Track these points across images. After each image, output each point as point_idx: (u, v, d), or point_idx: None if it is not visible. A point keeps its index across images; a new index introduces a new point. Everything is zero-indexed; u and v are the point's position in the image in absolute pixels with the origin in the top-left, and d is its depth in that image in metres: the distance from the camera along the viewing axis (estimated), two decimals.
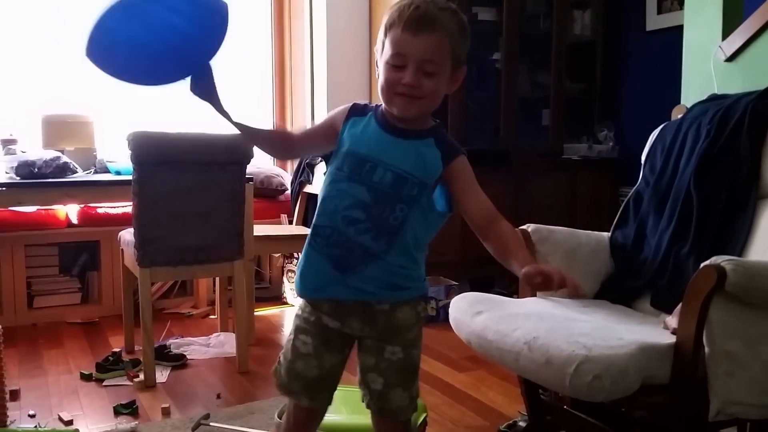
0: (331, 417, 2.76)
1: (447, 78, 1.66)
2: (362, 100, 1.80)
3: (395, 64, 1.62)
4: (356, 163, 1.67)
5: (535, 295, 2.71)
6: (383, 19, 1.68)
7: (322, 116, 4.94)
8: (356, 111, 1.76)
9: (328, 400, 1.88)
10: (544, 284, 1.55)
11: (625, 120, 5.34)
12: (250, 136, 1.86)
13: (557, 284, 1.54)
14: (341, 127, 1.74)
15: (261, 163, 5.08)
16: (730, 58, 3.15)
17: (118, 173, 4.03)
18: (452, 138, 1.77)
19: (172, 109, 4.97)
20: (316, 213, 1.74)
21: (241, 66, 5.31)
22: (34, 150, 4.15)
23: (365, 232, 1.65)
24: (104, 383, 3.40)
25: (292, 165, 5.26)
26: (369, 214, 1.65)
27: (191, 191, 3.38)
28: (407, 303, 1.76)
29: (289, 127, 1.63)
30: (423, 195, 1.67)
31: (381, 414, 1.83)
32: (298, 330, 1.84)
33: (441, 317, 4.21)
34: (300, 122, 5.33)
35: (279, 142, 1.89)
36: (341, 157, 1.71)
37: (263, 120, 5.40)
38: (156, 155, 3.31)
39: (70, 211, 4.57)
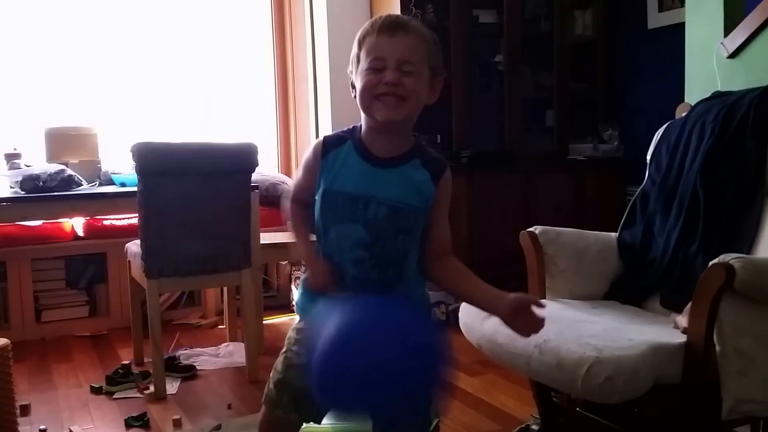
0: (343, 425, 2.75)
1: (426, 83, 1.65)
2: (331, 133, 1.75)
3: (374, 68, 1.61)
4: (348, 202, 1.64)
5: (544, 297, 2.71)
6: (356, 37, 1.68)
7: (326, 123, 4.99)
8: (330, 143, 1.71)
9: (316, 418, 1.82)
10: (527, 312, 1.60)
11: (630, 119, 5.32)
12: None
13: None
14: (320, 164, 1.69)
15: (266, 171, 5.06)
16: (733, 55, 3.14)
17: (123, 185, 4.02)
18: (435, 152, 1.75)
19: (176, 120, 4.98)
20: (320, 246, 1.71)
21: (243, 75, 5.31)
22: (39, 163, 4.14)
23: (372, 268, 1.65)
24: (114, 396, 3.39)
25: (297, 171, 5.25)
26: (371, 252, 1.64)
27: (197, 201, 3.37)
28: None
29: (292, 207, 1.63)
30: (420, 220, 1.67)
31: None
32: (290, 342, 1.81)
33: (451, 322, 4.18)
34: (304, 130, 5.32)
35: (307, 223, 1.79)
36: (333, 197, 1.66)
37: (266, 128, 5.39)
38: (160, 166, 3.30)
39: (75, 223, 4.57)
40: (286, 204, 1.80)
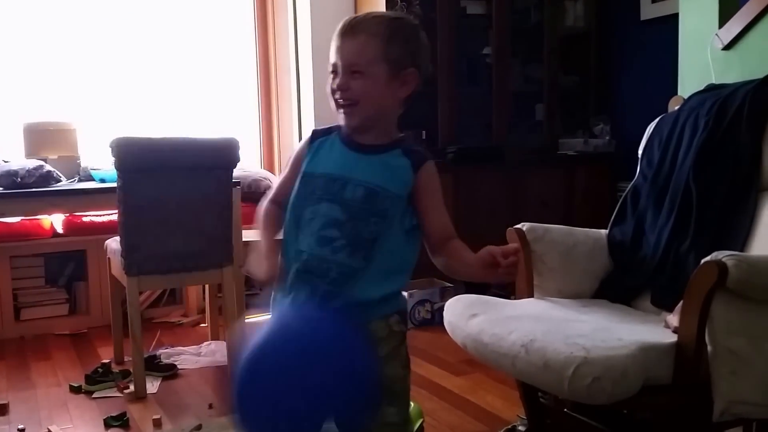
0: None
1: (383, 80, 1.68)
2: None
3: (332, 72, 1.70)
4: (327, 183, 1.70)
5: (531, 296, 2.68)
6: None
7: (309, 118, 4.93)
8: (318, 134, 1.80)
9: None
10: (496, 264, 1.59)
11: (622, 112, 5.29)
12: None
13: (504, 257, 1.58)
14: (306, 153, 1.78)
15: (248, 167, 5.01)
16: (728, 47, 3.10)
17: (102, 180, 3.98)
18: (420, 147, 1.79)
19: (157, 114, 4.92)
20: (284, 237, 1.75)
21: (225, 68, 5.25)
22: (17, 159, 4.10)
23: (341, 249, 1.66)
24: (94, 395, 3.35)
25: (279, 168, 5.20)
26: (343, 231, 1.66)
27: (177, 197, 3.35)
28: (379, 318, 1.72)
29: (266, 208, 1.72)
30: (396, 209, 1.68)
31: None
32: None
33: (436, 320, 4.15)
34: (287, 125, 5.26)
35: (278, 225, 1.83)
36: (313, 179, 1.73)
37: (248, 123, 5.34)
38: (140, 161, 3.27)
39: (55, 220, 4.50)
40: (263, 203, 1.84)
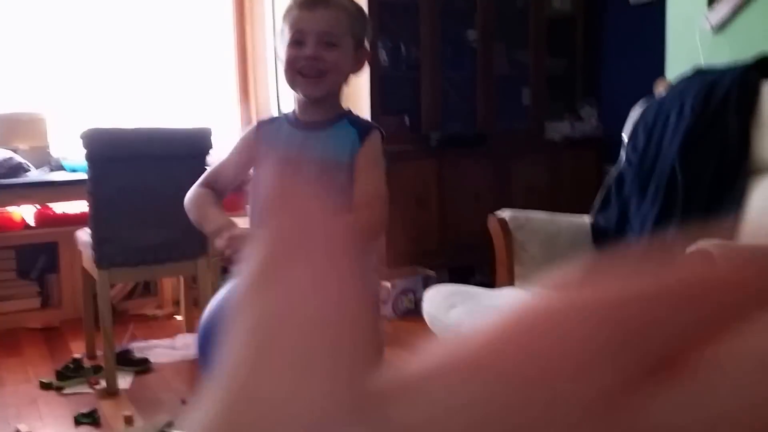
0: None
1: (350, 55, 1.72)
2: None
3: (295, 41, 1.69)
4: None
5: (512, 284, 2.65)
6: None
7: (287, 107, 4.84)
8: (263, 122, 1.89)
9: None
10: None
11: (609, 97, 5.24)
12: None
13: None
14: (252, 140, 1.83)
15: (222, 155, 4.92)
16: (717, 29, 3.05)
17: (73, 171, 3.93)
18: (366, 120, 1.86)
19: (131, 103, 4.83)
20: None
21: (202, 56, 5.17)
22: None
23: None
24: (64, 391, 3.29)
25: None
26: None
27: (149, 187, 3.29)
28: None
29: (196, 191, 1.77)
30: (350, 179, 1.71)
31: None
32: None
33: (420, 310, 4.06)
34: (264, 112, 5.19)
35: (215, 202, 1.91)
36: None
37: (227, 111, 5.26)
38: (111, 151, 3.23)
39: (25, 212, 4.42)
40: (192, 189, 1.89)
